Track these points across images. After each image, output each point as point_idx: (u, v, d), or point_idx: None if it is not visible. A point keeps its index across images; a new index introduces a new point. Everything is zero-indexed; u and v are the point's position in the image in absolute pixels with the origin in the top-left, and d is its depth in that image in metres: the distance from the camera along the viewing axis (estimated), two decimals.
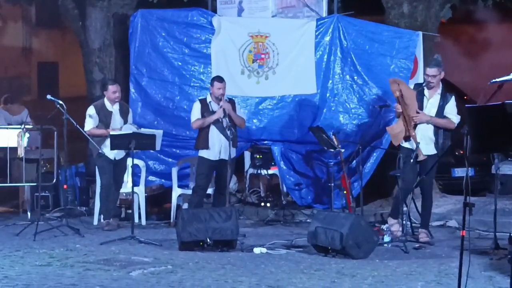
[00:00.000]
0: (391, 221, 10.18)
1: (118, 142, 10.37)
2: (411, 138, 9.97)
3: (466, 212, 6.06)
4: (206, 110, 10.83)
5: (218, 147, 10.75)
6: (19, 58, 22.26)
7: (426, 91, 10.09)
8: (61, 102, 10.64)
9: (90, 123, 10.99)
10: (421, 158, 9.83)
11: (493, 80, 7.01)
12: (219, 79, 10.91)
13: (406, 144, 10.09)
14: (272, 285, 7.53)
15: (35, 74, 22.61)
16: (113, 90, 11.02)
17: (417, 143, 9.84)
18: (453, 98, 10.13)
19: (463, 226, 5.94)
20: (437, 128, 10.00)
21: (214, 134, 10.78)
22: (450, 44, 18.35)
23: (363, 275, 7.99)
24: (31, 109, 20.21)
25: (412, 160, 9.82)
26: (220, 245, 9.42)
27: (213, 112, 10.76)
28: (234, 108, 10.93)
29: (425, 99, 10.09)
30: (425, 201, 10.18)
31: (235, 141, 10.90)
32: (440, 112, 10.00)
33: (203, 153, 10.89)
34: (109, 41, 13.56)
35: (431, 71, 10.05)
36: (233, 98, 11.37)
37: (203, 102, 10.96)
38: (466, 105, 6.07)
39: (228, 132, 10.62)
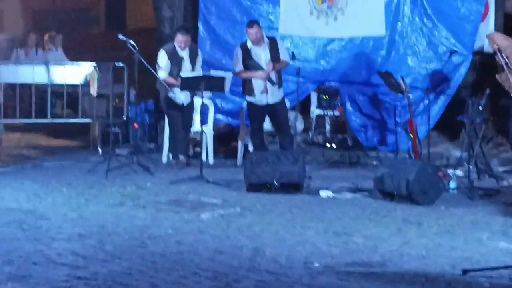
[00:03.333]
0: None
1: (188, 83, 10.49)
2: None
3: None
4: (247, 57, 10.86)
5: (263, 93, 10.81)
6: None
7: None
8: (132, 42, 10.61)
9: (162, 72, 11.07)
10: None
11: None
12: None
13: None
14: (339, 232, 7.59)
15: (103, 6, 22.73)
16: (178, 39, 11.07)
17: None
18: None
19: None
20: None
21: (258, 80, 10.83)
22: None
23: (429, 223, 8.00)
24: (100, 41, 20.57)
25: None
26: (286, 187, 9.55)
27: (254, 61, 10.79)
28: (276, 48, 10.91)
29: None
30: None
31: (280, 83, 10.94)
32: None
33: (250, 99, 10.99)
34: None
35: None
36: (274, 37, 11.31)
37: (244, 48, 10.93)
38: None
39: (273, 77, 10.70)
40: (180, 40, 11.05)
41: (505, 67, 9.82)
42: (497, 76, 10.23)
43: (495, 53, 9.63)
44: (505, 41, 9.92)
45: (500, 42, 9.89)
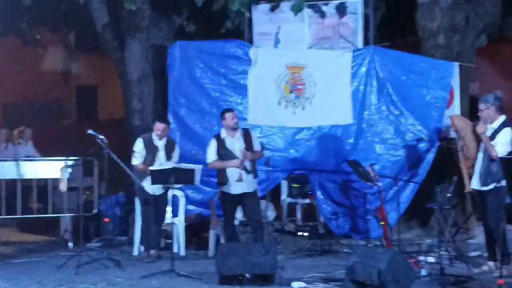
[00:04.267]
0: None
1: (158, 177, 10.50)
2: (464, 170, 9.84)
3: None
4: (221, 147, 10.90)
5: (238, 181, 10.83)
6: (58, 82, 22.64)
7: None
8: (101, 137, 10.63)
9: (137, 159, 11.16)
10: (466, 190, 9.76)
11: None
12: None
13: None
14: None
15: (74, 98, 22.97)
16: (156, 127, 11.18)
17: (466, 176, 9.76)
18: (505, 129, 9.55)
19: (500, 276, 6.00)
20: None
21: (232, 169, 10.84)
22: (487, 64, 18.27)
23: None
24: (71, 132, 20.62)
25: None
26: (259, 279, 9.50)
27: (228, 150, 10.82)
28: (250, 139, 10.96)
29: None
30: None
31: (255, 172, 10.98)
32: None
33: (224, 188, 10.95)
34: (147, 72, 13.78)
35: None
36: (247, 128, 11.42)
37: (218, 139, 10.98)
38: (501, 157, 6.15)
39: (248, 165, 10.75)
40: (158, 128, 11.13)
41: (459, 148, 10.09)
42: (460, 165, 10.45)
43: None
44: (462, 123, 10.24)
45: (457, 123, 10.20)
